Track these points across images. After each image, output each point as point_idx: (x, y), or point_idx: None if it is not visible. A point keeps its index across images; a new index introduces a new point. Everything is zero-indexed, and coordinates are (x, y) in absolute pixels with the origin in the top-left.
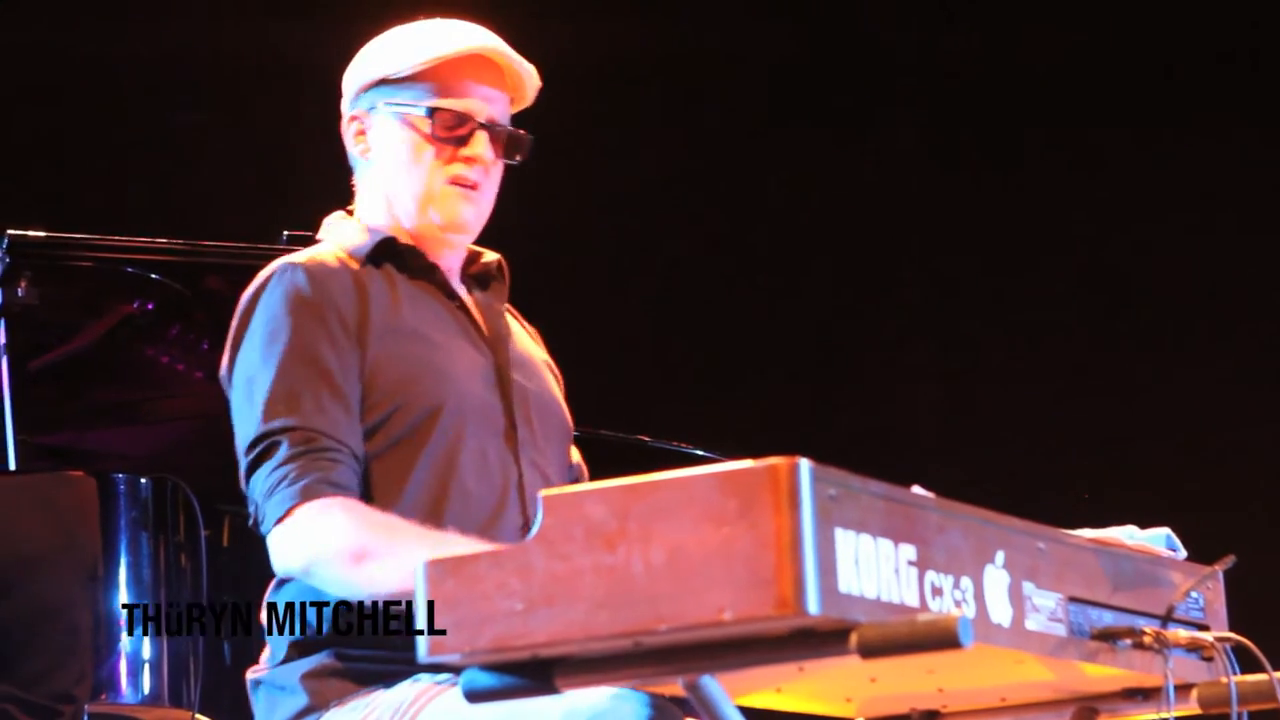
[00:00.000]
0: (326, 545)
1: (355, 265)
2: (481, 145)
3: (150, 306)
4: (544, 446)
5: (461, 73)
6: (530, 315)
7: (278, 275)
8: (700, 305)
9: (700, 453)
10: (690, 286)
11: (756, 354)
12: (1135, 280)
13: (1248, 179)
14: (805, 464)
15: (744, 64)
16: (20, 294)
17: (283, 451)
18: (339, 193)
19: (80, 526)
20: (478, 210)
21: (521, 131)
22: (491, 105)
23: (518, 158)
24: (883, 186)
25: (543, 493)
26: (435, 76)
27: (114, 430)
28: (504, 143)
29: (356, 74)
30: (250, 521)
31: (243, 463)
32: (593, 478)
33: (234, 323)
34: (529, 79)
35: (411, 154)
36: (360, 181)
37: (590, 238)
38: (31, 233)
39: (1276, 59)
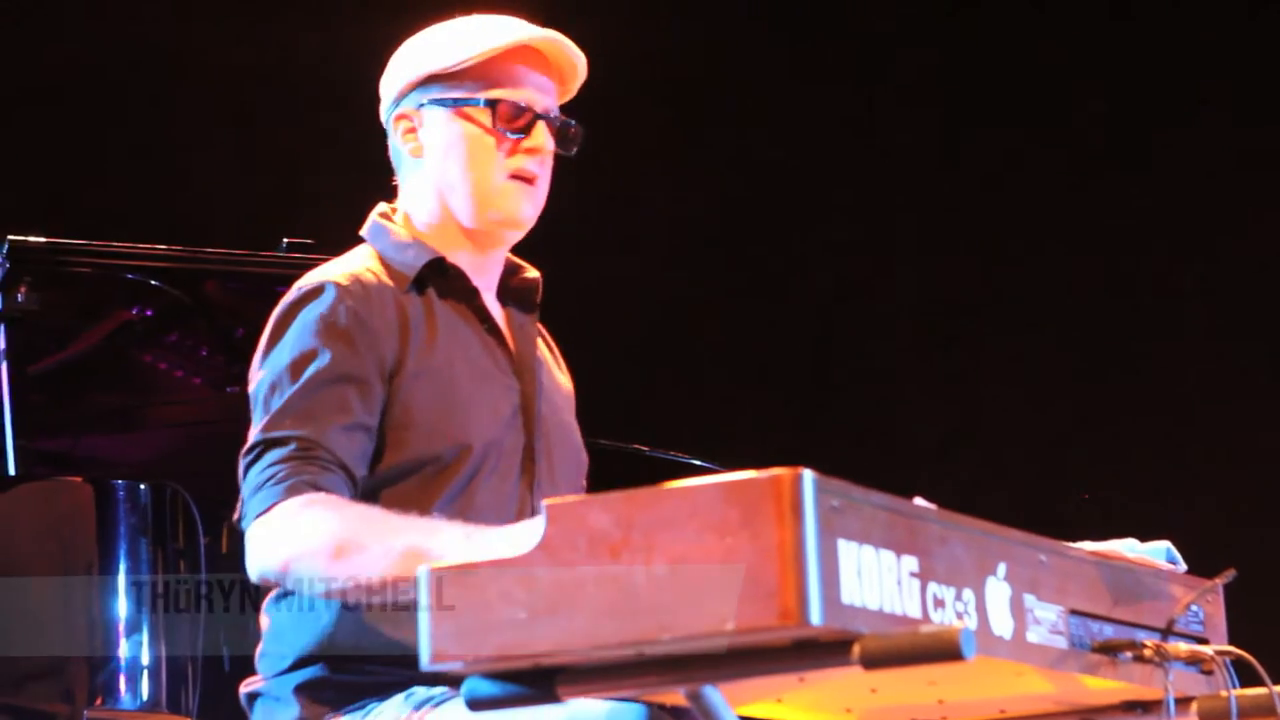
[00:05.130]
0: (307, 540)
1: (397, 286)
2: (542, 135)
3: (149, 313)
4: (558, 480)
5: (515, 64)
6: None
7: (320, 292)
8: (701, 314)
9: (699, 463)
10: (691, 295)
11: (758, 363)
12: (1139, 283)
13: (1245, 174)
14: (809, 475)
15: (735, 67)
16: (20, 299)
17: (279, 453)
18: (340, 201)
19: (77, 533)
20: (535, 204)
21: (574, 123)
22: (545, 96)
23: (573, 149)
24: (881, 191)
25: (546, 501)
26: (490, 69)
27: (113, 436)
28: (560, 133)
29: (401, 73)
30: (235, 517)
31: (241, 462)
32: (593, 489)
33: (268, 329)
34: (580, 70)
35: (471, 148)
36: (407, 181)
37: (588, 244)
38: (32, 239)
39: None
